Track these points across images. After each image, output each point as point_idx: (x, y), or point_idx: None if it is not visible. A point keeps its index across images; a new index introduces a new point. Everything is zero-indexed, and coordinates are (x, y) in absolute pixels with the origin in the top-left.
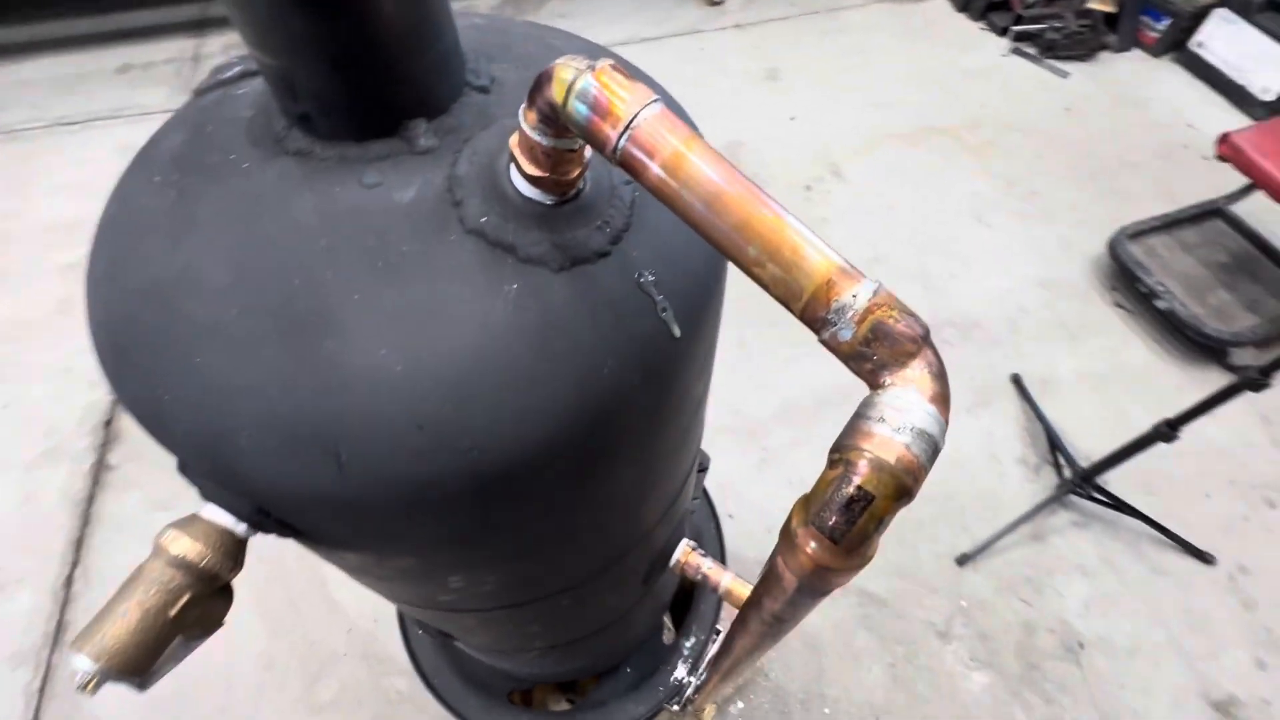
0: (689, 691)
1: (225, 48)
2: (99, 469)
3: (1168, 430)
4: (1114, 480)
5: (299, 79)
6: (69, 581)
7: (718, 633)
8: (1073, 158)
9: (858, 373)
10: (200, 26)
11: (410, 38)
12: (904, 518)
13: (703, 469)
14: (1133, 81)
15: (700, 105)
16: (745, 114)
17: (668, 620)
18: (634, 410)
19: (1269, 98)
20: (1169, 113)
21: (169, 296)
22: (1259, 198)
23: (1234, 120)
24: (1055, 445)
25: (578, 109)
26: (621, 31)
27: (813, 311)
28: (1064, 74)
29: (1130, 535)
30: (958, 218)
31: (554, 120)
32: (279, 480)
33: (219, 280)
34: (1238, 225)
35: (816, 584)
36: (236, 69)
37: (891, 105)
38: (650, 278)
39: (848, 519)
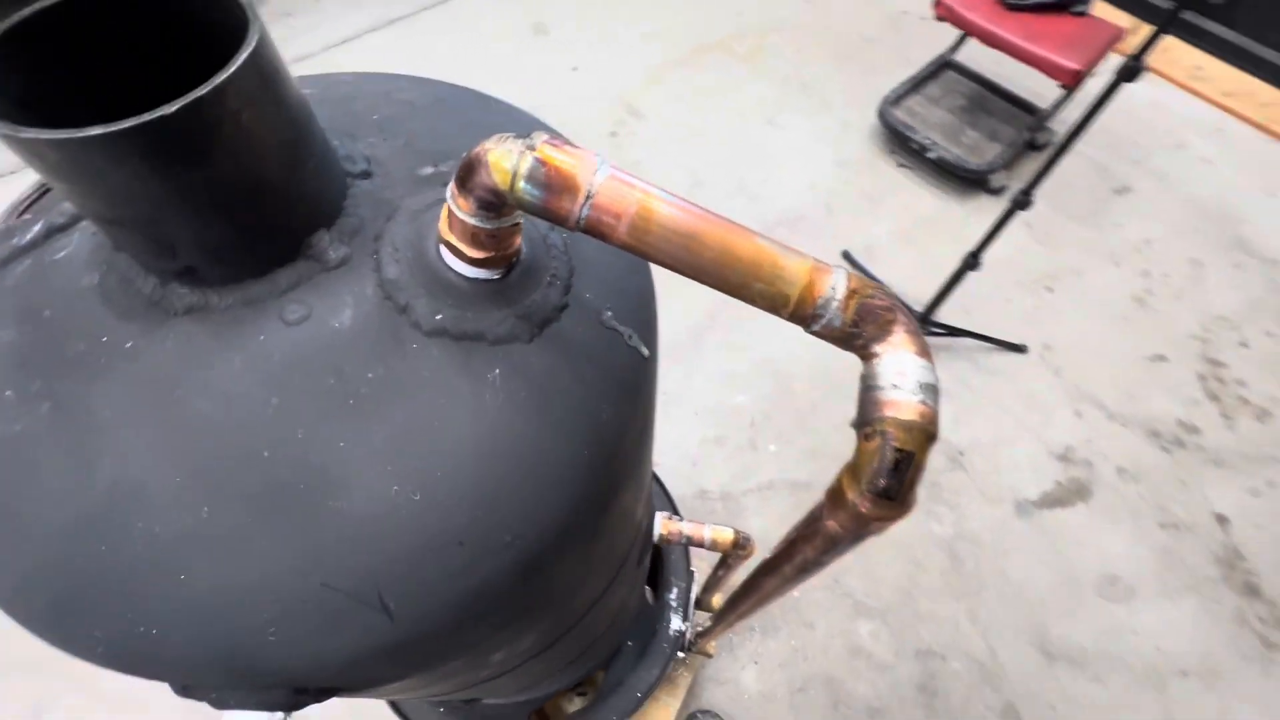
0: (689, 635)
1: None
2: None
3: (972, 260)
4: (944, 313)
5: (177, 235)
6: None
7: (692, 574)
8: (825, 45)
9: (849, 349)
10: None
11: (293, 149)
12: (803, 404)
13: None
14: None
15: (478, 78)
16: (526, 76)
17: None
18: (631, 438)
19: None
20: None
21: (110, 523)
22: (973, 44)
23: None
24: None
25: (529, 191)
26: (362, 19)
27: (801, 312)
28: None
29: (967, 352)
30: (753, 126)
31: (497, 204)
32: (323, 655)
33: (167, 484)
34: (964, 71)
35: (871, 532)
36: (37, 227)
37: (661, 33)
38: (610, 313)
39: (898, 478)
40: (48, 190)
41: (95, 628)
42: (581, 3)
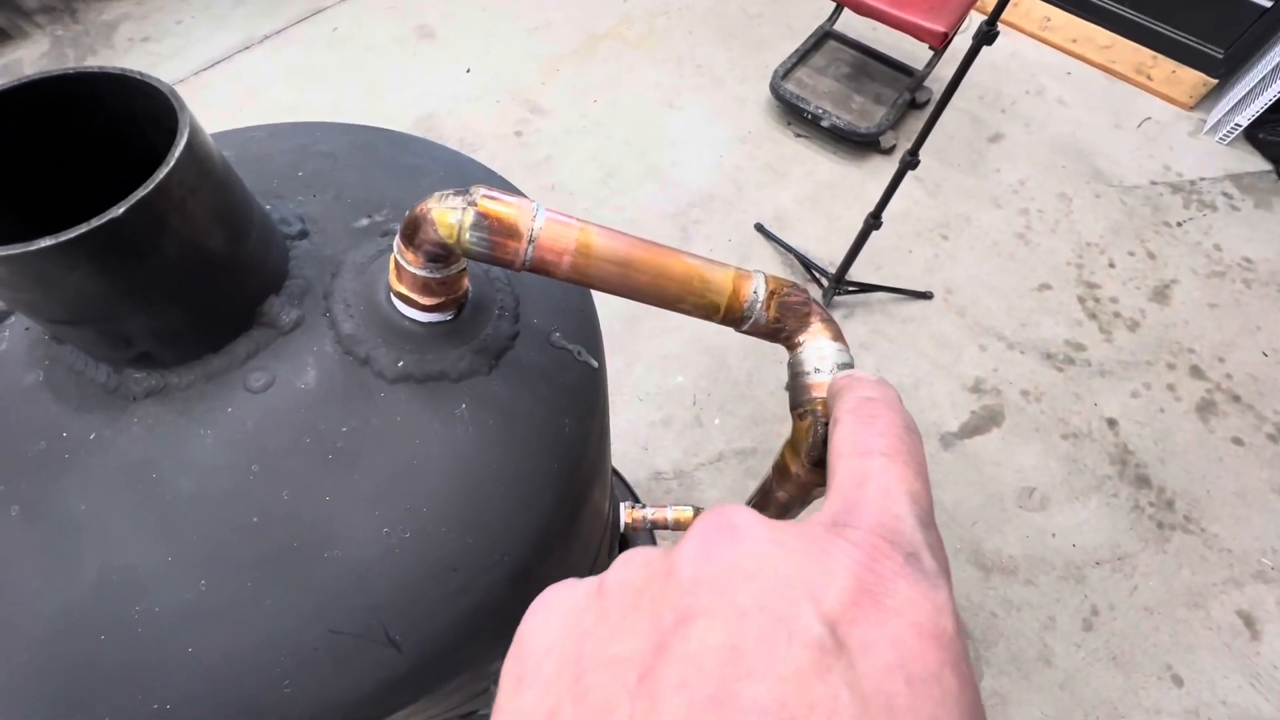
0: None
1: None
2: None
3: (874, 221)
4: (856, 271)
5: (132, 326)
6: None
7: None
8: (712, 24)
9: (775, 342)
10: None
11: (236, 224)
12: (739, 375)
13: None
14: None
15: (369, 89)
16: (420, 82)
17: None
18: (592, 444)
19: None
20: None
21: (104, 611)
22: (848, 14)
23: None
24: (808, 266)
25: (476, 240)
26: (230, 39)
27: (731, 315)
28: None
29: (881, 305)
30: (654, 111)
31: (445, 256)
32: (339, 698)
33: (160, 565)
34: (845, 40)
35: (815, 496)
36: None
37: (549, 25)
38: (558, 333)
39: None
40: None
41: (104, 714)
42: (464, 2)
